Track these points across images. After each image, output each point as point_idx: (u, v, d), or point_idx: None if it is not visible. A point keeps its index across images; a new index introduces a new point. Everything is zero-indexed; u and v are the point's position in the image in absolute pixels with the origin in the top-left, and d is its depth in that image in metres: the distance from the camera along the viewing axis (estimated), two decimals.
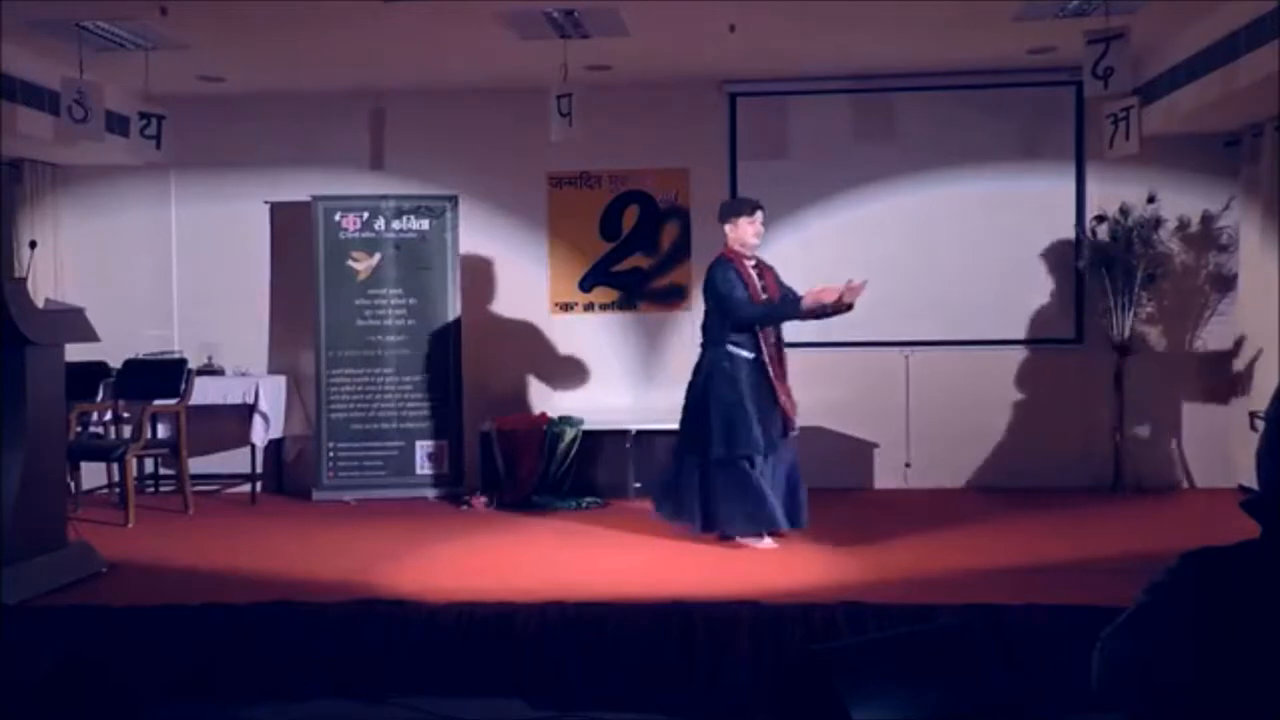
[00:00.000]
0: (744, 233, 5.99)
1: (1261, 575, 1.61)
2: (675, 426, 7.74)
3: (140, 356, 7.66)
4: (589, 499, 7.39)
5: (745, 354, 5.92)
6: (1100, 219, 7.52)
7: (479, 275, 8.05)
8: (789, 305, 5.87)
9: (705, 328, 6.09)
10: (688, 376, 8.02)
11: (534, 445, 7.50)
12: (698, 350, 8.04)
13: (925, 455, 7.69)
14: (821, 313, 5.88)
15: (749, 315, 5.86)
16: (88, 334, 5.75)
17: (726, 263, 5.96)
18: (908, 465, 7.83)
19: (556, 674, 4.27)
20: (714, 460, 5.87)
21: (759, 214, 6.04)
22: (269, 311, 8.26)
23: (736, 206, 6.11)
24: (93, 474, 7.55)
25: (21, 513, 5.11)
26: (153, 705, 3.96)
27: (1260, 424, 1.80)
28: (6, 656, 3.88)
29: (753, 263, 6.05)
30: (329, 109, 8.10)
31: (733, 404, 5.86)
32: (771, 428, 5.92)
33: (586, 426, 7.59)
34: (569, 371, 8.08)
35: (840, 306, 5.79)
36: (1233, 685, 1.58)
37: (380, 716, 4.06)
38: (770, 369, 5.91)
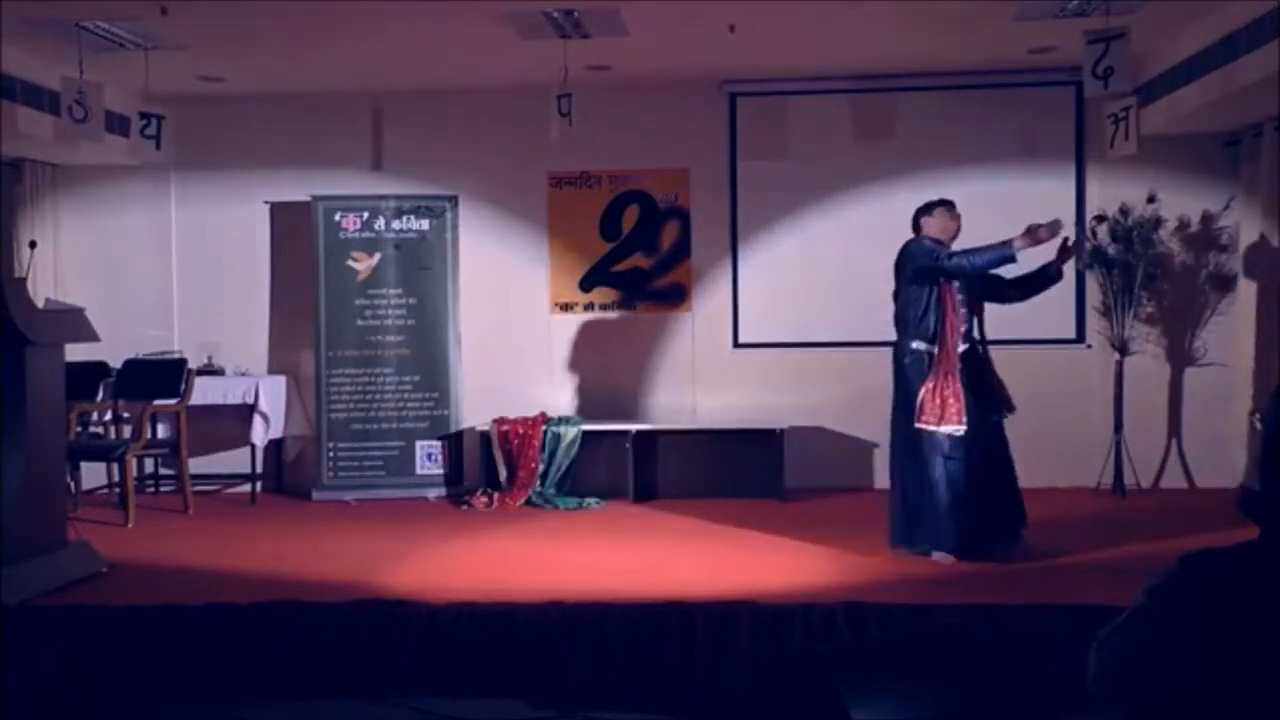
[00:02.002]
0: (943, 222, 5.67)
1: (1259, 577, 1.61)
2: (675, 426, 7.79)
3: (140, 356, 7.66)
4: (589, 499, 7.40)
5: (926, 348, 5.55)
6: (1100, 219, 7.52)
7: (479, 275, 8.04)
8: (1000, 244, 5.42)
9: (896, 319, 5.73)
10: (688, 376, 8.09)
11: (534, 445, 7.51)
12: (698, 350, 8.10)
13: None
14: (1047, 274, 5.70)
15: (969, 264, 5.44)
16: (88, 334, 5.75)
17: (921, 239, 5.63)
18: None
19: (556, 674, 4.27)
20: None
21: (939, 210, 5.73)
22: (269, 311, 8.27)
23: (939, 201, 5.78)
24: (93, 474, 7.55)
25: (21, 513, 5.11)
26: (153, 705, 3.96)
27: (1259, 424, 1.80)
28: (6, 656, 3.88)
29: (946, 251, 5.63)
30: (329, 109, 8.10)
31: (900, 403, 5.65)
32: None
33: (586, 426, 7.60)
34: (570, 371, 8.08)
35: (1062, 259, 5.65)
36: (1231, 686, 1.58)
37: (380, 716, 4.06)
38: (946, 364, 5.48)
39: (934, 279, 5.55)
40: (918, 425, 5.47)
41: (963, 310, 5.62)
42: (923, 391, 5.48)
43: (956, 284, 5.58)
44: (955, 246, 5.65)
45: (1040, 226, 5.35)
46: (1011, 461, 5.71)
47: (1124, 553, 5.65)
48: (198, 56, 6.98)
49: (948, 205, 5.78)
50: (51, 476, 5.49)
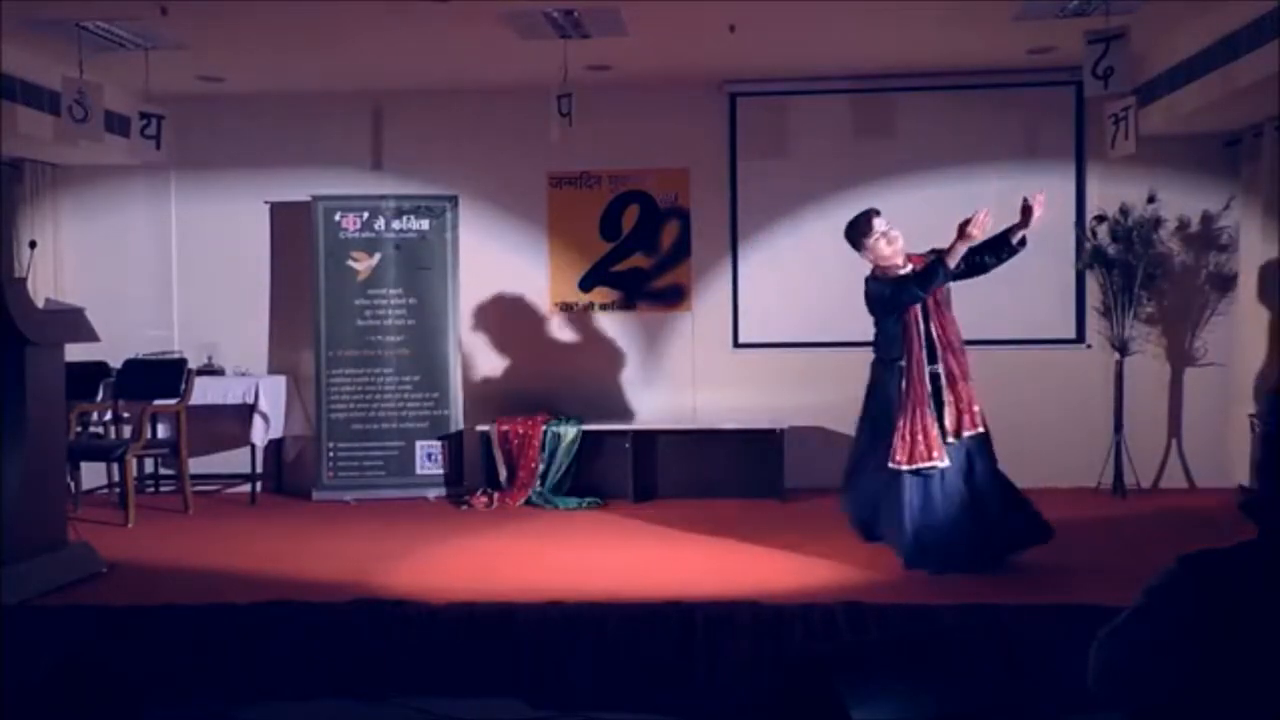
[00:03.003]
0: (878, 251, 5.55)
1: (1259, 577, 1.62)
2: (675, 426, 7.79)
3: (140, 356, 7.66)
4: (589, 499, 7.40)
5: (900, 363, 5.52)
6: (1100, 219, 7.53)
7: (479, 275, 8.04)
8: (933, 265, 5.42)
9: (875, 346, 5.75)
10: (687, 377, 8.09)
11: (534, 445, 7.51)
12: (698, 350, 8.10)
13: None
14: (1008, 241, 5.53)
15: (923, 293, 5.43)
16: (88, 334, 5.75)
17: (877, 276, 5.60)
18: None
19: (556, 674, 4.27)
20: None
21: (878, 221, 5.58)
22: (269, 311, 8.26)
23: (857, 228, 5.61)
24: (93, 474, 7.55)
25: (21, 513, 5.11)
26: (153, 705, 3.96)
27: (1257, 425, 1.80)
28: (6, 656, 3.88)
29: (907, 268, 5.57)
30: (329, 109, 8.10)
31: (876, 417, 5.61)
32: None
33: (586, 426, 7.60)
34: (569, 371, 8.08)
35: (1025, 220, 5.46)
36: (1230, 686, 1.58)
37: (380, 716, 4.06)
38: (915, 396, 5.41)
39: (897, 312, 5.51)
40: (891, 465, 5.40)
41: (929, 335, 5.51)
42: (897, 429, 5.40)
43: (920, 310, 5.50)
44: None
45: (966, 221, 5.35)
46: (997, 477, 5.51)
47: (1124, 553, 5.65)
48: (198, 56, 6.98)
49: (866, 230, 5.57)
50: (51, 476, 5.49)
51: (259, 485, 7.80)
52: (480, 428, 7.71)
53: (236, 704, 4.09)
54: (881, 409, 5.57)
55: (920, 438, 5.36)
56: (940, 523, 5.35)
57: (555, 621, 4.48)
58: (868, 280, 5.67)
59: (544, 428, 7.54)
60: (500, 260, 8.09)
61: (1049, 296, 7.77)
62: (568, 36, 6.50)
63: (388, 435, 7.83)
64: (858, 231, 5.63)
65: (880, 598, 4.74)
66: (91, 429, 7.59)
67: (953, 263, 5.41)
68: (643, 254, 8.09)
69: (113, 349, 7.06)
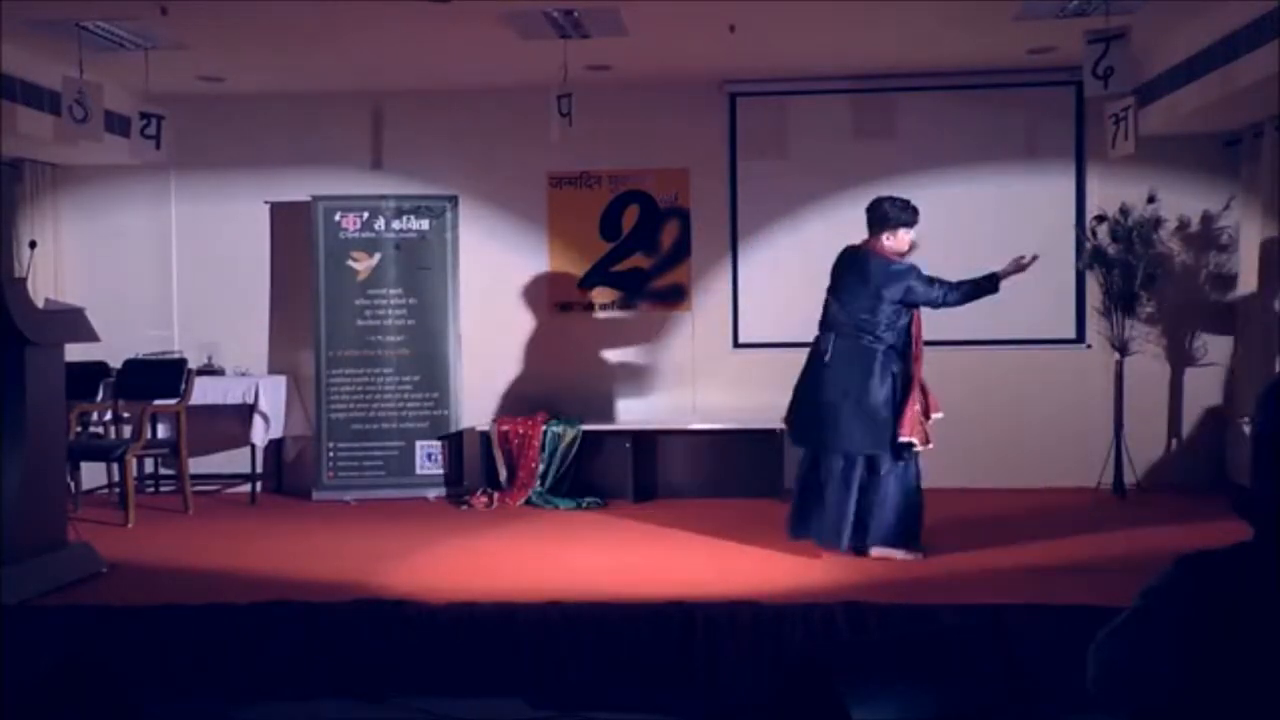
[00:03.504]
0: (901, 244, 5.72)
1: (1255, 578, 1.62)
2: (675, 426, 7.79)
3: (140, 356, 7.66)
4: (589, 499, 7.40)
5: (885, 349, 5.68)
6: (1100, 219, 7.52)
7: (479, 275, 8.04)
8: (988, 283, 5.66)
9: (845, 320, 5.75)
10: (688, 376, 8.08)
11: (534, 445, 7.51)
12: (698, 350, 8.09)
13: (924, 455, 7.66)
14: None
15: (958, 299, 5.64)
16: (88, 334, 5.75)
17: (895, 263, 5.67)
18: None
19: (556, 674, 4.28)
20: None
21: (903, 231, 5.75)
22: (269, 311, 8.27)
23: (907, 212, 5.72)
24: (93, 474, 7.55)
25: (21, 513, 5.11)
26: (153, 705, 3.97)
27: (1250, 427, 1.80)
28: (6, 656, 3.88)
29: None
30: (329, 109, 8.10)
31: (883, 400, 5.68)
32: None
33: (586, 426, 7.60)
34: (569, 371, 8.08)
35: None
36: (1228, 687, 1.58)
37: (380, 716, 4.06)
38: (916, 380, 5.69)
39: (914, 306, 5.69)
40: (903, 439, 5.59)
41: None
42: (908, 406, 5.61)
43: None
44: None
45: (1023, 259, 5.63)
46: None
47: (1123, 553, 5.65)
48: (198, 56, 6.99)
49: (912, 223, 5.73)
50: (51, 476, 5.49)
51: (259, 485, 7.80)
52: (480, 428, 7.71)
53: (236, 704, 4.10)
54: (890, 390, 5.66)
55: (920, 421, 5.62)
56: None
57: (555, 621, 4.49)
58: (904, 271, 5.64)
59: (544, 428, 7.55)
60: (500, 260, 8.09)
61: (1049, 296, 7.75)
62: (568, 36, 6.50)
63: (388, 435, 7.83)
64: (906, 216, 5.74)
65: (880, 598, 4.74)
66: (91, 429, 7.60)
67: (996, 283, 5.70)
68: (643, 254, 8.09)
69: (113, 349, 7.06)
